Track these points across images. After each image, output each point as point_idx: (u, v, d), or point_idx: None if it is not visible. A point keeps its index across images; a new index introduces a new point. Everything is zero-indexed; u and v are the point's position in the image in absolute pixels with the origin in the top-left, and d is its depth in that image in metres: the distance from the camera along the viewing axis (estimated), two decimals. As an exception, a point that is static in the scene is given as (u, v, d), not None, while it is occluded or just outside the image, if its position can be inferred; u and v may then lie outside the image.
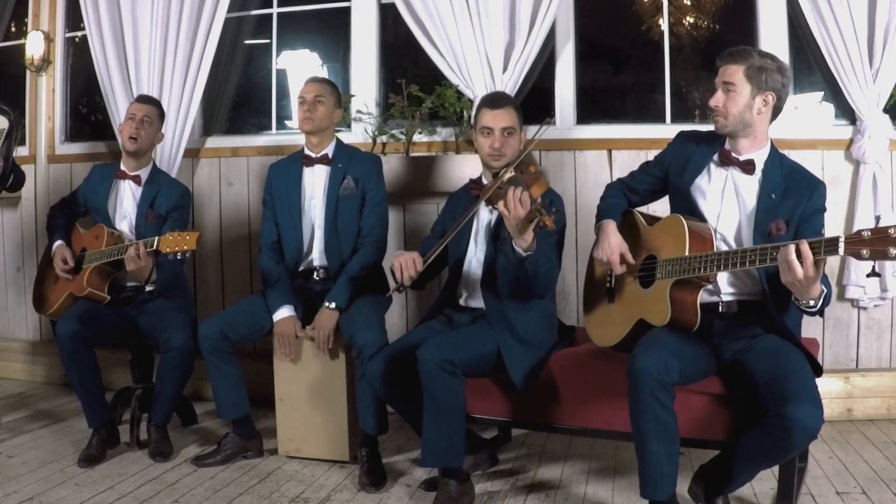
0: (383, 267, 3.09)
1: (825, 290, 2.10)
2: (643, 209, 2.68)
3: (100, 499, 2.64)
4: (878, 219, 3.25)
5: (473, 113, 2.80)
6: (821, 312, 2.16)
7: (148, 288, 3.11)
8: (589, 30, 3.73)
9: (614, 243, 2.48)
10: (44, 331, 4.27)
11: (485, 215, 2.74)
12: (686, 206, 2.45)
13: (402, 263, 2.62)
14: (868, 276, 3.29)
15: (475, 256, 2.74)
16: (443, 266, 2.87)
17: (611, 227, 2.53)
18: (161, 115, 3.33)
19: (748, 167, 2.37)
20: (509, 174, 2.53)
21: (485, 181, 2.77)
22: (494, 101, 2.74)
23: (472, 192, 2.78)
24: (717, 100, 2.35)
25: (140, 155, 3.25)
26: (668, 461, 2.18)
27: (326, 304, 2.93)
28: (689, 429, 2.36)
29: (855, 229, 3.24)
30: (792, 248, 1.95)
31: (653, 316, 2.34)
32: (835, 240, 1.88)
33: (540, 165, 3.54)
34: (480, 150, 2.74)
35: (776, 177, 2.36)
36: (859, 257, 1.83)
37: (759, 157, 2.38)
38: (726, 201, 2.40)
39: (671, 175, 2.54)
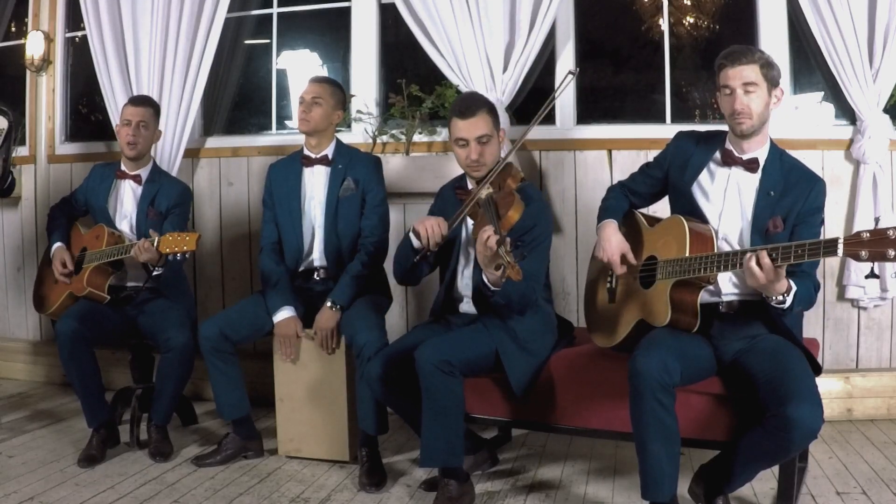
0: (385, 269, 3.09)
1: (794, 288, 2.13)
2: (644, 210, 2.68)
3: (100, 499, 2.64)
4: (877, 220, 3.25)
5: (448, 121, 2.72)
6: (791, 309, 2.18)
7: (156, 272, 3.05)
8: (589, 30, 3.72)
9: (615, 243, 2.48)
10: (44, 331, 4.27)
11: (471, 226, 2.66)
12: (686, 207, 2.45)
13: (429, 228, 2.55)
14: (867, 277, 3.29)
15: (465, 268, 2.72)
16: (437, 263, 2.85)
17: (612, 227, 2.52)
18: (157, 114, 3.31)
19: (752, 165, 2.37)
20: (486, 190, 2.48)
21: (469, 185, 2.73)
22: (464, 109, 2.61)
23: (458, 197, 2.73)
24: (742, 102, 2.30)
25: (140, 156, 3.25)
26: (669, 462, 2.18)
27: (328, 303, 2.92)
28: (690, 429, 2.36)
29: (855, 229, 3.24)
30: (753, 257, 2.02)
31: (653, 317, 2.34)
32: (833, 241, 1.88)
33: (540, 166, 3.54)
34: (459, 161, 2.67)
35: (776, 174, 2.36)
36: (858, 259, 1.84)
37: (761, 155, 2.39)
38: (728, 201, 2.40)
39: (671, 175, 2.54)
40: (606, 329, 2.58)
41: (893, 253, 1.79)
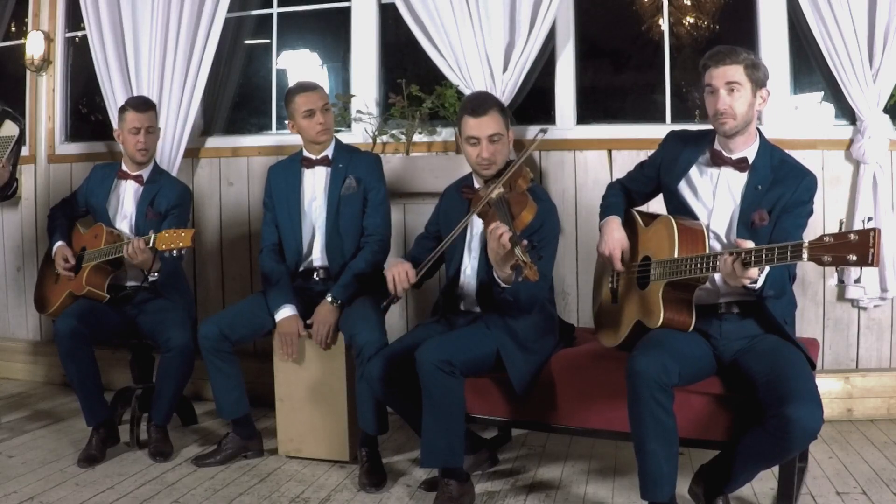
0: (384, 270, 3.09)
1: (766, 269, 2.10)
2: (642, 208, 2.68)
3: (100, 499, 2.64)
4: (868, 220, 3.24)
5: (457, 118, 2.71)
6: (763, 289, 2.18)
7: (151, 278, 3.06)
8: (589, 30, 3.72)
9: (616, 239, 2.49)
10: (44, 331, 4.27)
11: (478, 223, 2.67)
12: (677, 206, 2.46)
13: (396, 276, 2.61)
14: (856, 281, 3.29)
15: (469, 264, 2.72)
16: (440, 265, 2.86)
17: (615, 222, 2.53)
18: (157, 114, 3.33)
19: (742, 165, 2.37)
20: (498, 190, 2.49)
21: (476, 184, 2.73)
22: (476, 107, 2.60)
23: (463, 196, 2.73)
24: (725, 102, 2.30)
25: (150, 160, 3.27)
26: (668, 462, 2.18)
27: (328, 299, 2.92)
28: (689, 429, 2.36)
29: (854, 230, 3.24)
30: (724, 259, 2.02)
31: (647, 318, 2.34)
32: (799, 245, 1.85)
33: (540, 166, 3.54)
34: (469, 160, 2.67)
35: (765, 169, 2.36)
36: (821, 263, 1.81)
37: (750, 154, 2.38)
38: (718, 200, 2.40)
39: (662, 174, 2.55)
40: (610, 329, 2.59)
41: (854, 257, 1.75)
